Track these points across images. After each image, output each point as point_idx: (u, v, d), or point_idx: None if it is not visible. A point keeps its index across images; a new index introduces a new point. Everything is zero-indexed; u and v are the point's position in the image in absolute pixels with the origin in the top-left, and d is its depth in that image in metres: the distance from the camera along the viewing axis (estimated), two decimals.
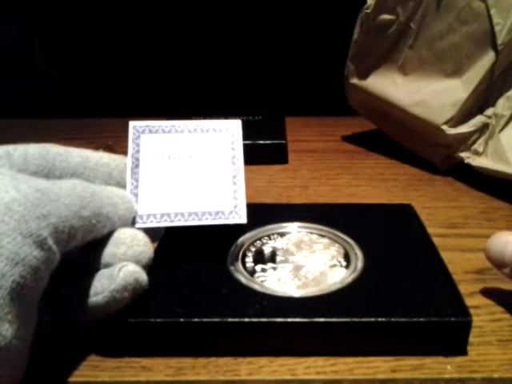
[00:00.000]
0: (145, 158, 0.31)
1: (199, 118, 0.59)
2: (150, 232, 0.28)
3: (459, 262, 0.35)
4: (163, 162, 0.31)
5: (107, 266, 0.26)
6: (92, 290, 0.25)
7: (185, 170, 0.31)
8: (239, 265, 0.31)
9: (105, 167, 0.29)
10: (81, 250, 0.26)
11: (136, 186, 0.30)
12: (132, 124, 0.32)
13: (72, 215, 0.24)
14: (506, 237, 0.28)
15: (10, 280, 0.20)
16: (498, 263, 0.28)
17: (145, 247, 0.26)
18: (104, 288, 0.25)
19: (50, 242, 0.22)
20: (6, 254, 0.20)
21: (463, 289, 0.29)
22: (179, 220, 0.29)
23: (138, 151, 0.31)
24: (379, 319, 0.26)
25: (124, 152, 0.55)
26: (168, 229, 0.32)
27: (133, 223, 0.29)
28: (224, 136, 0.32)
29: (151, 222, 0.29)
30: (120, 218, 0.27)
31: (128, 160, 0.31)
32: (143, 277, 0.26)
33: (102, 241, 0.26)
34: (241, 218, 0.30)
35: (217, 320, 0.26)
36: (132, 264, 0.25)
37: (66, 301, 0.25)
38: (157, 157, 0.31)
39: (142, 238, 0.27)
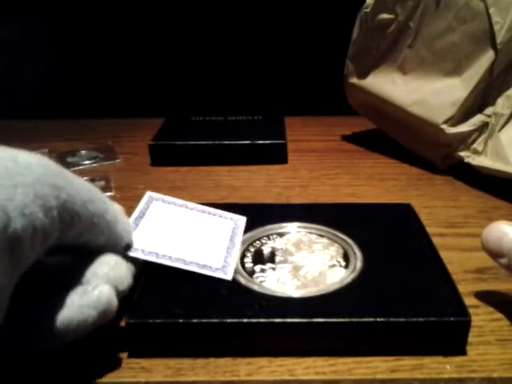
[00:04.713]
0: (150, 214, 0.33)
1: (199, 118, 0.59)
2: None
3: (459, 261, 0.35)
4: (167, 218, 0.33)
5: (85, 283, 0.25)
6: (61, 303, 0.24)
7: (184, 228, 0.33)
8: (238, 265, 0.31)
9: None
10: (62, 264, 0.26)
11: (136, 226, 0.31)
12: (148, 193, 0.34)
13: (80, 202, 0.24)
14: (502, 227, 0.28)
15: (13, 227, 0.20)
16: (496, 254, 0.28)
17: (127, 273, 0.26)
18: (74, 302, 0.24)
19: (55, 213, 0.22)
20: (17, 203, 0.20)
21: (462, 288, 0.29)
22: (165, 260, 0.29)
23: (146, 208, 0.33)
24: (378, 319, 0.26)
25: (124, 152, 0.55)
26: None
27: (124, 249, 0.28)
28: (228, 222, 0.34)
29: (137, 253, 0.29)
30: (117, 235, 0.27)
31: (134, 212, 0.32)
32: (115, 302, 0.25)
33: (87, 258, 0.26)
34: (226, 274, 0.30)
35: (216, 321, 0.26)
36: (108, 286, 0.25)
37: (31, 314, 0.24)
38: (162, 215, 0.33)
39: (126, 264, 0.27)
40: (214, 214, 0.35)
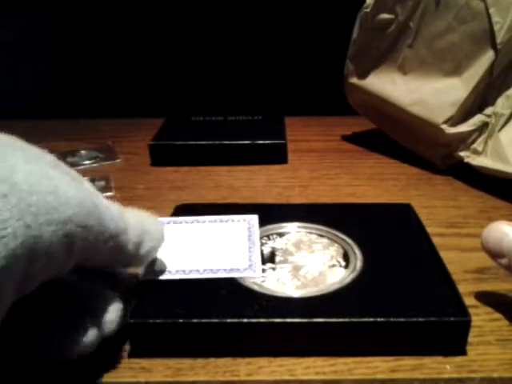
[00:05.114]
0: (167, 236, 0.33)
1: (199, 118, 0.59)
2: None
3: (459, 261, 0.34)
4: (183, 237, 0.33)
5: (76, 316, 0.25)
6: (49, 332, 0.24)
7: (202, 241, 0.33)
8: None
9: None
10: (68, 284, 0.26)
11: None
12: (159, 219, 0.34)
13: (103, 241, 0.24)
14: (502, 227, 0.28)
15: (34, 266, 0.20)
16: (496, 254, 0.28)
17: (117, 316, 0.26)
18: (59, 336, 0.24)
19: (76, 251, 0.22)
20: (44, 242, 0.20)
21: (462, 288, 0.29)
22: (194, 274, 0.30)
23: None
24: (378, 319, 0.26)
25: (124, 152, 0.55)
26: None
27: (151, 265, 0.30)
28: (242, 224, 0.35)
29: (166, 275, 0.30)
30: (140, 258, 0.27)
31: None
32: (94, 345, 0.25)
33: (94, 283, 0.26)
34: (255, 272, 0.30)
35: (216, 321, 0.26)
36: (94, 328, 0.25)
37: (23, 333, 0.24)
38: (177, 236, 0.34)
39: (119, 305, 0.26)
40: (226, 221, 0.35)
